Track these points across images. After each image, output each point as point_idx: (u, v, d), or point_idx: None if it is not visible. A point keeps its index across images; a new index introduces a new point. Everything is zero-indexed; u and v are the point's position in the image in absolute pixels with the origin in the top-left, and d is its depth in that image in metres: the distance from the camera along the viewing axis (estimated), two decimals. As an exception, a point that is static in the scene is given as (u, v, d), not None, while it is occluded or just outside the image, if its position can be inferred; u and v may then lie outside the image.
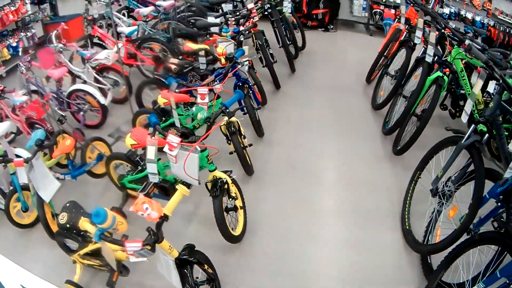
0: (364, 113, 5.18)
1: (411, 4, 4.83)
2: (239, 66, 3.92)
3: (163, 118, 3.97)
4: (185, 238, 3.18)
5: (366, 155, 4.41)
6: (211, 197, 3.01)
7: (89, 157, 3.89)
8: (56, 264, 3.24)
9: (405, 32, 4.89)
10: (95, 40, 5.58)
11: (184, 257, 2.44)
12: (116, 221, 2.22)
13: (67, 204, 2.71)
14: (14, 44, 6.37)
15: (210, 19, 5.33)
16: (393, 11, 7.40)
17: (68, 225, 2.60)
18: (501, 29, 5.96)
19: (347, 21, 7.88)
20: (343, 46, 7.16)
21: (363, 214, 3.64)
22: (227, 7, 5.87)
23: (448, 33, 4.08)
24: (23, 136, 4.50)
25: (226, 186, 3.02)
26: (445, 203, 3.05)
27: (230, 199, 3.14)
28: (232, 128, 3.60)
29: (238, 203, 3.24)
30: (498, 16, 6.10)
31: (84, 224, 2.38)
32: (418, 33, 4.37)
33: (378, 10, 7.55)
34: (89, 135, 4.28)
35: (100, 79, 4.86)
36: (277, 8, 5.67)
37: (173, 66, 4.12)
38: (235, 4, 6.31)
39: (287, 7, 5.75)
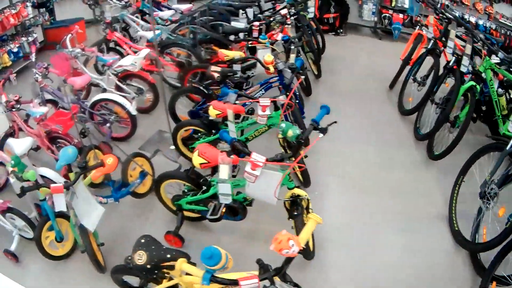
0: (392, 119, 5.16)
1: (437, 14, 4.96)
2: (303, 77, 3.65)
3: (213, 131, 3.64)
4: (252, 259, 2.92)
5: (403, 161, 4.42)
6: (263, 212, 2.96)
7: (130, 175, 3.50)
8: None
9: (432, 41, 4.90)
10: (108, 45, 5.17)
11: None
12: (228, 258, 1.90)
13: (142, 240, 2.32)
14: (15, 50, 5.88)
15: (235, 24, 5.02)
16: (401, 15, 7.42)
17: (148, 266, 2.18)
18: (502, 32, 6.09)
19: (355, 25, 7.84)
20: (356, 50, 7.10)
21: (412, 218, 3.68)
22: (249, 12, 5.54)
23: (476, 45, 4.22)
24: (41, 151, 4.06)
25: (306, 204, 2.82)
26: (492, 204, 3.17)
27: (307, 216, 2.89)
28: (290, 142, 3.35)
29: None
30: (500, 20, 6.29)
31: (184, 266, 2.03)
32: (450, 44, 4.41)
33: (387, 15, 7.54)
34: (116, 149, 3.91)
35: (124, 87, 4.46)
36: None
37: (215, 74, 3.78)
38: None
39: (312, 12, 5.53)
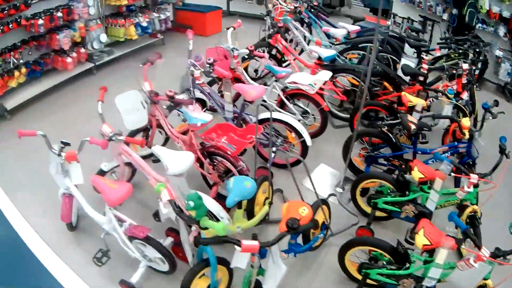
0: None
1: None
2: (508, 160, 3.29)
3: (406, 192, 3.25)
4: None
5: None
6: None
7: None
8: None
9: None
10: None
11: None
12: None
13: None
14: (145, 24, 5.48)
15: (406, 62, 4.54)
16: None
17: None
18: None
19: (484, 80, 7.50)
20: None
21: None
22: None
23: None
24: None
25: None
26: None
27: None
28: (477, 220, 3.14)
29: None
30: None
31: None
32: None
33: (520, 77, 7.06)
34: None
35: (290, 106, 4.05)
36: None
37: (412, 126, 3.34)
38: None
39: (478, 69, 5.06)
